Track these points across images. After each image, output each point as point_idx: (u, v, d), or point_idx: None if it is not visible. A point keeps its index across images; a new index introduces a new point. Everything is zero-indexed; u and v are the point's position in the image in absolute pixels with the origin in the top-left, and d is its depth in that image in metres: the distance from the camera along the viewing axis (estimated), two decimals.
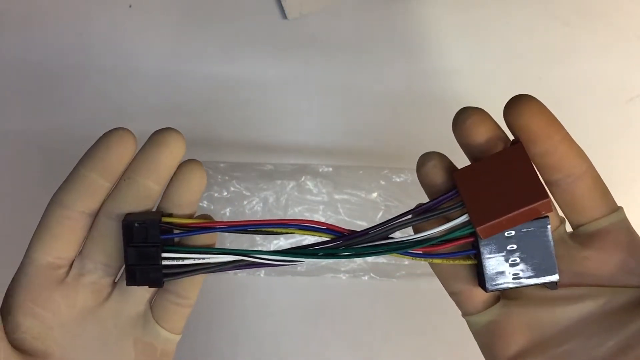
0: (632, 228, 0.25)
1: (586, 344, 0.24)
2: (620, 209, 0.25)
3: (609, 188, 0.25)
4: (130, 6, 0.47)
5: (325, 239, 0.25)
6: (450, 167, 0.25)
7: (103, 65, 0.47)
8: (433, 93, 0.48)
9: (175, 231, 0.25)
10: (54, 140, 0.46)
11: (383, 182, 0.46)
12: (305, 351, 0.46)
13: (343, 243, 0.24)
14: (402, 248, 0.24)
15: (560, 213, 0.26)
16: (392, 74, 0.48)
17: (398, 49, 0.48)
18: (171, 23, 0.48)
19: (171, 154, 0.24)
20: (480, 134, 0.24)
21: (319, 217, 0.46)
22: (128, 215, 0.25)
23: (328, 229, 0.25)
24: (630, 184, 0.47)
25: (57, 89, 0.47)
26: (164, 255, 0.24)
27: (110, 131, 0.24)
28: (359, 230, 0.24)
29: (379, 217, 0.46)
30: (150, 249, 0.24)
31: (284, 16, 0.47)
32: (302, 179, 0.46)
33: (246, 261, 0.25)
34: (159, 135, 0.24)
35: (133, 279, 0.24)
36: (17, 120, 0.47)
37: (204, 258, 0.25)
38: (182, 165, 0.25)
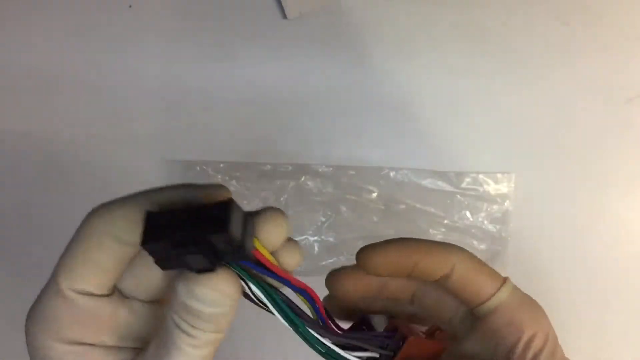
0: (512, 303, 0.24)
1: None
2: (493, 295, 0.25)
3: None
4: (130, 6, 0.47)
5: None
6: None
7: (102, 64, 0.47)
8: (432, 92, 0.48)
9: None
10: (52, 139, 0.46)
11: (383, 182, 0.46)
12: (305, 351, 0.46)
13: (310, 326, 0.24)
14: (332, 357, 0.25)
15: None
16: (392, 73, 0.48)
17: (398, 49, 0.48)
18: (171, 23, 0.48)
19: None
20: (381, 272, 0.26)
21: (319, 217, 0.46)
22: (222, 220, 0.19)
23: (317, 310, 0.24)
24: (629, 184, 0.47)
25: (56, 89, 0.47)
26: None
27: None
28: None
29: (379, 217, 0.46)
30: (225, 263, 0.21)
31: (284, 16, 0.47)
32: (302, 179, 0.46)
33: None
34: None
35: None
36: (16, 119, 0.47)
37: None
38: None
